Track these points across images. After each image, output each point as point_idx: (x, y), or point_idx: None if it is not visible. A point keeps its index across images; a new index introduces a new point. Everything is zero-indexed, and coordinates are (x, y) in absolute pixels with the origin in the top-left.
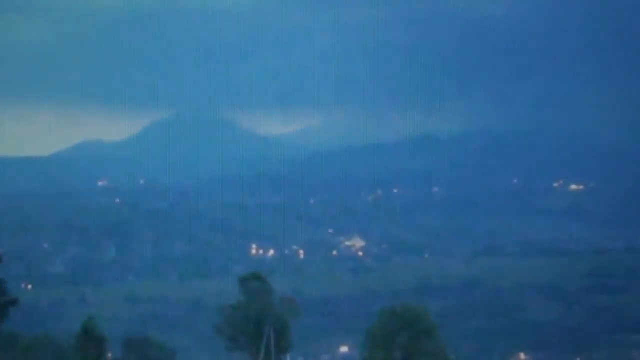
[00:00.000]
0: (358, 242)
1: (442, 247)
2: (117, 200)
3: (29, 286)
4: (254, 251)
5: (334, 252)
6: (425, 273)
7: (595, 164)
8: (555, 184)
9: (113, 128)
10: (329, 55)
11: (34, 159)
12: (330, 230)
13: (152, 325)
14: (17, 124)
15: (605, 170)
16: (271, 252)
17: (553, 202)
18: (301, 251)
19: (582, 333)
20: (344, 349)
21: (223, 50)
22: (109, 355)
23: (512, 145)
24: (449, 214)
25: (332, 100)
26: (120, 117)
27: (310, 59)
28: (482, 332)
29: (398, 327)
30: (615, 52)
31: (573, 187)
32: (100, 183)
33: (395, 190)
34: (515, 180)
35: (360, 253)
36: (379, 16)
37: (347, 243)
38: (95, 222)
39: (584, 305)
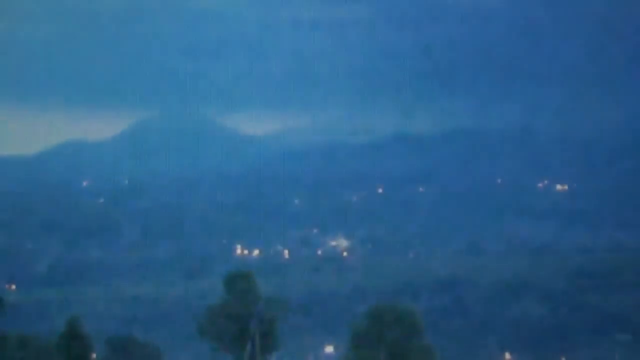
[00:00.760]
0: (343, 242)
1: (427, 247)
2: (101, 200)
3: (13, 286)
4: (239, 251)
5: (319, 252)
6: (410, 273)
7: (580, 164)
8: (540, 184)
9: (97, 128)
10: (314, 56)
11: (18, 159)
12: (315, 230)
13: (136, 325)
14: (1, 124)
15: (590, 170)
16: (256, 252)
17: (538, 202)
18: (286, 251)
19: (567, 332)
20: (329, 348)
21: (207, 50)
22: (94, 354)
23: (497, 146)
24: (434, 214)
25: (318, 100)
26: (104, 117)
27: (296, 58)
28: (467, 332)
29: (384, 326)
30: (603, 55)
31: (558, 187)
32: (84, 183)
33: (380, 191)
34: (499, 180)
35: (345, 253)
36: (362, 16)
37: (332, 243)
38: (80, 222)
39: (568, 304)
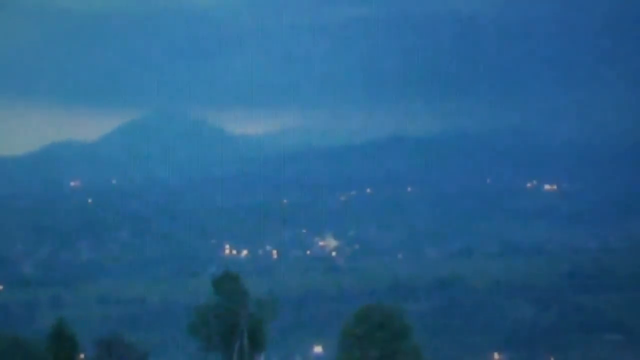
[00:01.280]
0: (332, 242)
1: (416, 248)
2: (90, 200)
3: (1, 287)
4: (227, 251)
5: (308, 252)
6: (399, 273)
7: (568, 164)
8: (528, 185)
9: (85, 128)
10: (305, 57)
11: (6, 160)
12: (304, 231)
13: (125, 325)
14: None
15: (578, 171)
16: (245, 252)
17: (527, 203)
18: (275, 251)
19: (557, 332)
20: (317, 349)
21: (198, 50)
22: (82, 355)
23: (486, 146)
24: (423, 215)
25: (308, 102)
26: (93, 118)
27: (286, 60)
28: (457, 332)
29: (373, 327)
30: (590, 57)
31: (547, 187)
32: (72, 183)
33: (368, 191)
34: (488, 181)
35: (334, 253)
36: (356, 18)
37: (321, 243)
38: (68, 223)
39: (558, 304)
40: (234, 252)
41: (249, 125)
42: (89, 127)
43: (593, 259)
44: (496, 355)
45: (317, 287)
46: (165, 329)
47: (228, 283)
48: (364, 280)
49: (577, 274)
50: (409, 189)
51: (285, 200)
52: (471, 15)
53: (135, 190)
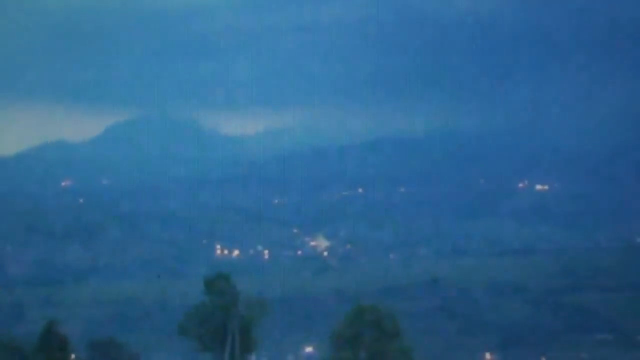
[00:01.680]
0: (323, 243)
1: (408, 248)
2: (81, 200)
3: None
4: (218, 251)
5: (299, 252)
6: (391, 273)
7: (560, 165)
8: (520, 185)
9: (76, 128)
10: (296, 57)
11: None
12: (295, 231)
13: (117, 325)
14: None
15: (570, 171)
16: (236, 252)
17: (519, 203)
18: (266, 251)
19: (549, 332)
20: (308, 349)
21: (189, 50)
22: (73, 356)
23: (478, 147)
24: (415, 215)
25: (298, 101)
26: (84, 118)
27: (277, 60)
28: (449, 332)
29: (365, 327)
30: (585, 57)
31: (538, 187)
32: (63, 183)
33: (360, 191)
34: (481, 181)
35: (325, 253)
36: (346, 17)
37: (312, 243)
38: (60, 223)
39: (550, 304)
40: (225, 252)
41: (240, 126)
42: (81, 127)
43: (585, 259)
44: (488, 356)
45: (308, 287)
46: (156, 330)
47: (219, 283)
48: (356, 280)
49: (568, 273)
50: (401, 189)
51: (276, 200)
52: (467, 16)
53: (126, 190)
